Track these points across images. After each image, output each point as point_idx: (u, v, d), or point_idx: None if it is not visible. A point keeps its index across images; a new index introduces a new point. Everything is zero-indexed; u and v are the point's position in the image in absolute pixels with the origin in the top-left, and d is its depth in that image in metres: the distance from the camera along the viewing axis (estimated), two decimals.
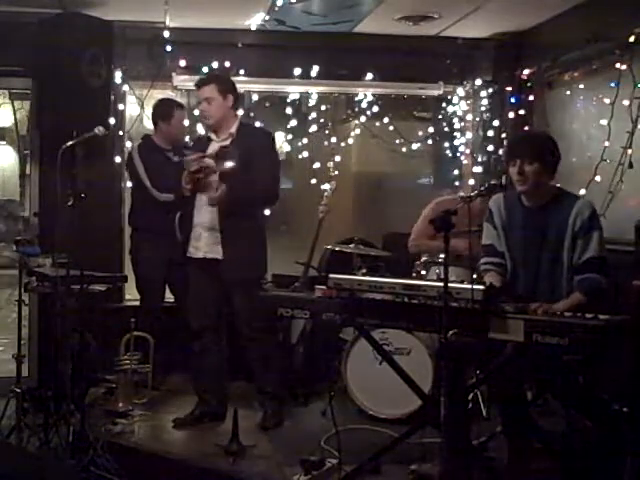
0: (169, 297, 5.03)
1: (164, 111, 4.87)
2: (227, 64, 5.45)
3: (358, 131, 6.08)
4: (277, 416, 4.11)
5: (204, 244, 4.02)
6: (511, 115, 5.58)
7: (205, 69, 5.44)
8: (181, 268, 4.82)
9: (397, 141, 6.04)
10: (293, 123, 5.70)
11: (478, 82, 5.83)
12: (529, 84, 5.56)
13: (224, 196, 3.86)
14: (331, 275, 3.24)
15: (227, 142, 4.01)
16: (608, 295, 3.16)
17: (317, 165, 5.68)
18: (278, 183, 4.09)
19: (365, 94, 5.93)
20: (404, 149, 6.07)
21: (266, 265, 4.20)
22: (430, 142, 6.14)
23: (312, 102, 5.88)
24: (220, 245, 3.96)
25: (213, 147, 4.04)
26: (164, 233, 4.71)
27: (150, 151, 4.86)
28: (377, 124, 6.02)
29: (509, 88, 5.64)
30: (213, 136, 4.11)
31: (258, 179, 3.91)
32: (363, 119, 5.99)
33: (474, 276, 3.63)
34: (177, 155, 4.82)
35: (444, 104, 6.08)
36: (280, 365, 4.22)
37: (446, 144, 6.14)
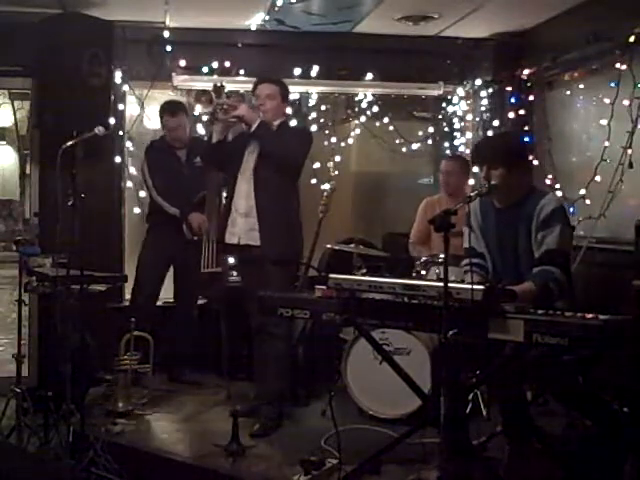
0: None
1: (169, 109, 4.97)
2: (227, 64, 5.46)
3: (358, 131, 6.08)
4: (273, 423, 4.03)
5: (239, 230, 4.08)
6: (511, 115, 5.58)
7: (205, 69, 5.46)
8: (187, 268, 4.93)
9: (397, 141, 6.05)
10: (293, 123, 5.70)
11: (478, 82, 5.83)
12: (529, 84, 5.56)
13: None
14: (331, 275, 3.24)
15: None
16: (566, 289, 3.15)
17: (317, 165, 5.68)
18: (303, 149, 4.09)
19: (365, 94, 5.93)
20: (404, 149, 6.07)
21: (301, 247, 4.23)
22: (430, 142, 6.15)
23: (312, 102, 5.88)
24: (256, 231, 4.00)
25: None
26: (172, 232, 4.84)
27: (158, 152, 4.98)
28: (377, 124, 6.03)
29: (509, 88, 5.63)
30: None
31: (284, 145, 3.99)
32: (363, 119, 6.00)
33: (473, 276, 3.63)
34: (196, 155, 4.88)
35: (444, 104, 6.09)
36: (285, 369, 4.16)
37: (446, 144, 6.15)
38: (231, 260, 4.82)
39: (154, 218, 5.00)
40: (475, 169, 5.65)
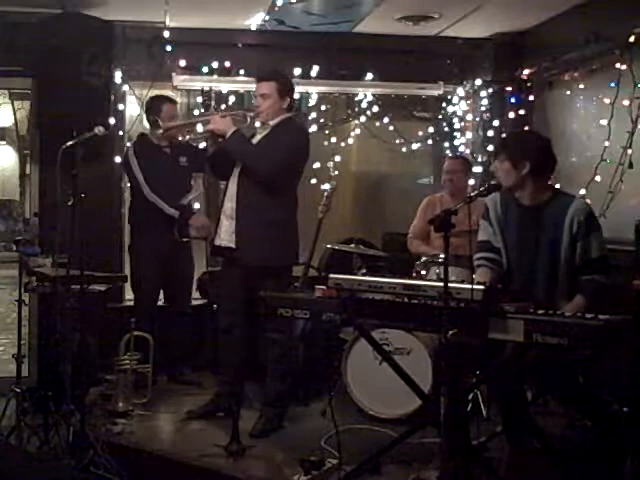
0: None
1: (154, 107, 4.85)
2: (227, 64, 5.47)
3: (358, 131, 6.08)
4: (273, 423, 4.02)
5: (223, 232, 4.06)
6: (511, 115, 5.59)
7: (205, 69, 5.46)
8: (177, 268, 4.85)
9: (397, 141, 6.04)
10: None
11: (478, 82, 5.83)
12: (529, 84, 5.57)
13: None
14: (331, 275, 3.24)
15: (265, 133, 4.03)
16: (608, 293, 3.17)
17: (317, 165, 5.68)
18: (277, 164, 3.88)
19: (365, 94, 5.93)
20: (404, 149, 6.07)
21: (291, 256, 4.11)
22: (430, 142, 6.15)
23: (312, 102, 5.88)
24: (234, 234, 3.98)
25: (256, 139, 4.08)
26: (161, 231, 4.74)
27: (146, 149, 4.85)
28: (377, 124, 6.02)
29: (509, 88, 5.64)
30: (259, 128, 4.12)
31: (262, 149, 3.94)
32: (363, 119, 6.00)
33: (474, 276, 3.62)
34: (180, 155, 4.86)
35: (444, 104, 6.09)
36: (288, 370, 4.13)
37: (446, 144, 6.14)
38: None
39: (139, 219, 4.85)
40: (476, 169, 5.73)
